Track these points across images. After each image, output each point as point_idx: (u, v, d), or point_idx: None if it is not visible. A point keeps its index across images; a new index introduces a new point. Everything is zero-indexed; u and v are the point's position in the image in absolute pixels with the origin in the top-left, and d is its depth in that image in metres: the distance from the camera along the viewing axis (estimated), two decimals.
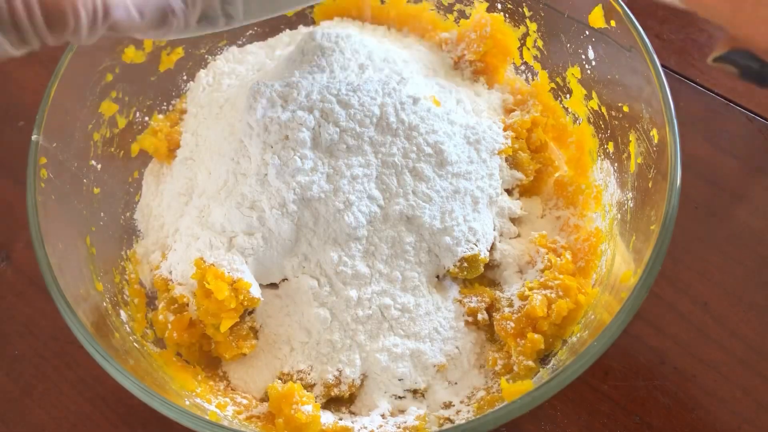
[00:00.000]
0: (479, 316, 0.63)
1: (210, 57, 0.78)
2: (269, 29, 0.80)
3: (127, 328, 0.60)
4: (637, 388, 0.64)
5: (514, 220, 0.69)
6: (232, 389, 0.62)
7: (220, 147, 0.66)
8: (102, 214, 0.67)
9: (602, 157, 0.68)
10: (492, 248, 0.66)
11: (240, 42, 0.80)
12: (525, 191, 0.71)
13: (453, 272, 0.63)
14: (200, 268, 0.60)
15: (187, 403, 0.55)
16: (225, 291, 0.58)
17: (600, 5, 0.64)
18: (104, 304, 0.60)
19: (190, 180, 0.69)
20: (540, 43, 0.73)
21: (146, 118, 0.73)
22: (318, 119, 0.61)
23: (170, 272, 0.64)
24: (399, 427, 0.58)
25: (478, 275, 0.65)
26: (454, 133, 0.65)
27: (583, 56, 0.68)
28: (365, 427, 0.58)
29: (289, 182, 0.60)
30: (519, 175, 0.69)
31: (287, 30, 0.80)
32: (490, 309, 0.64)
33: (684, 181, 0.54)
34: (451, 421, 0.59)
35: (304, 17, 0.81)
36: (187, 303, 0.62)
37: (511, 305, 0.62)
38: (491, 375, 0.62)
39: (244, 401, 0.60)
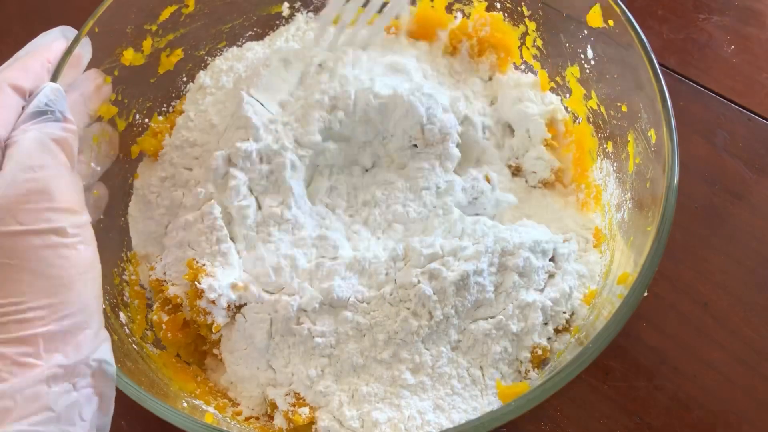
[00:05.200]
0: None
1: (209, 58, 0.78)
2: (269, 30, 0.80)
3: (126, 330, 0.60)
4: (637, 389, 0.64)
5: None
6: (230, 390, 0.62)
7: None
8: (102, 215, 0.67)
9: (602, 156, 0.67)
10: None
11: (239, 43, 0.80)
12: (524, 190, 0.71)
13: None
14: (192, 269, 0.61)
15: (186, 404, 0.55)
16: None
17: (598, 4, 0.63)
18: (103, 307, 0.59)
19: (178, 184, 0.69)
20: (539, 42, 0.73)
21: (146, 120, 0.73)
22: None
23: (164, 273, 0.65)
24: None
25: None
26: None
27: (582, 55, 0.67)
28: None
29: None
30: (556, 163, 0.70)
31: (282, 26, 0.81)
32: None
33: (684, 181, 0.54)
34: None
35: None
36: (181, 303, 0.62)
37: None
38: None
39: (244, 402, 0.60)
